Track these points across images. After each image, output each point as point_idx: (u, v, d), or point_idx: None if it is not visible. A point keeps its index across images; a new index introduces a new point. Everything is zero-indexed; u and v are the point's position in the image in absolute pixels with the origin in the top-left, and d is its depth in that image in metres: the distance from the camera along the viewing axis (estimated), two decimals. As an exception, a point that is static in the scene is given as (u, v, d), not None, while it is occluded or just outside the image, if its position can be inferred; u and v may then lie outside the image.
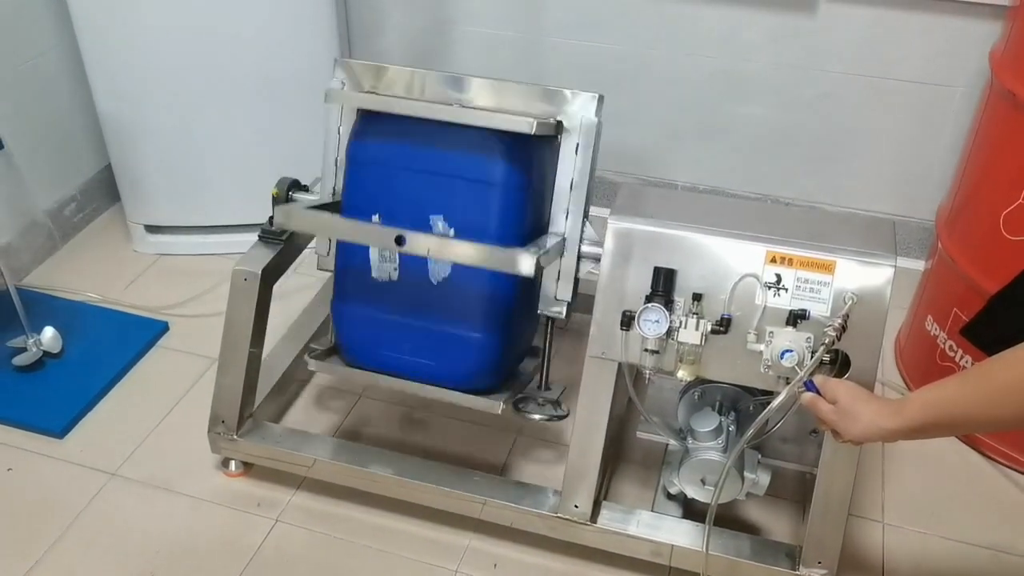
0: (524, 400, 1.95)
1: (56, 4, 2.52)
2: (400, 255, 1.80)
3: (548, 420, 1.92)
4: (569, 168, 1.77)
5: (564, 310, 1.84)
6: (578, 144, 1.75)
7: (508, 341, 1.87)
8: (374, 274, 1.84)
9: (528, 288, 1.81)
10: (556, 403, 1.95)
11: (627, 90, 2.72)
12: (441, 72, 1.80)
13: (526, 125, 1.64)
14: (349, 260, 1.87)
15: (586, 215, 1.79)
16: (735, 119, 2.70)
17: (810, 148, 2.69)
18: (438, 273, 1.80)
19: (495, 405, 1.85)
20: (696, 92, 2.68)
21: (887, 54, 2.47)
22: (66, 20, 2.43)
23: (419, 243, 1.64)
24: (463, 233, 1.75)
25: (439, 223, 1.76)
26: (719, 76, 2.64)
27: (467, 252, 1.64)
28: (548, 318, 1.88)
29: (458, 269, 1.79)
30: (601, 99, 1.73)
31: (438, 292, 1.81)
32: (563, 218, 1.79)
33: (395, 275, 1.83)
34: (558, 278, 1.83)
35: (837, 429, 1.39)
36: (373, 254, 1.84)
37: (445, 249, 1.67)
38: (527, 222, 1.77)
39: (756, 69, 2.60)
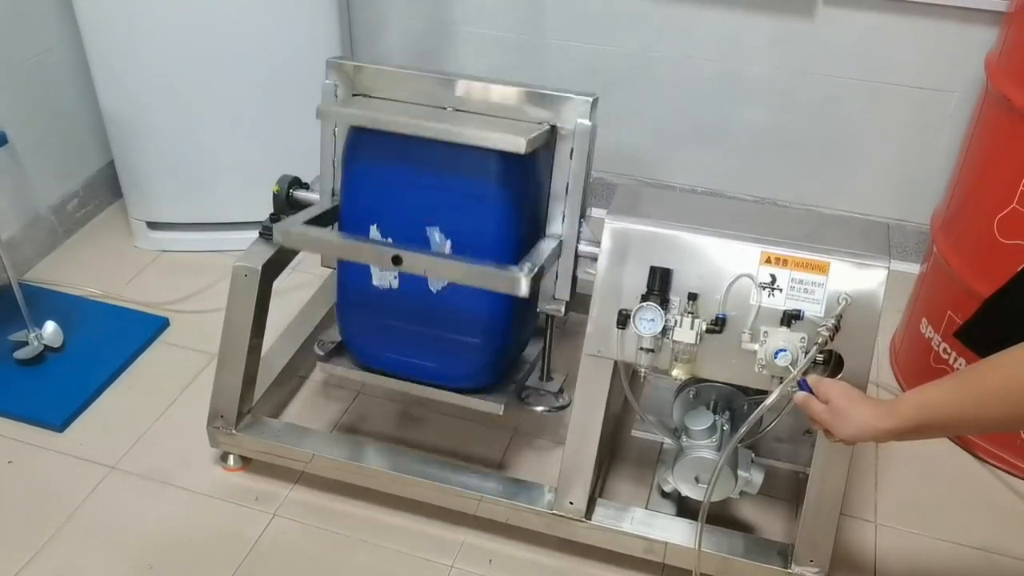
0: (527, 391, 2.00)
1: (61, 1, 2.53)
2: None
3: (550, 411, 1.98)
4: (564, 172, 1.77)
5: (562, 308, 1.87)
6: (572, 149, 1.75)
7: (507, 342, 1.90)
8: (374, 281, 1.86)
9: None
10: (558, 394, 2.01)
11: (626, 92, 2.74)
12: (434, 74, 1.79)
13: (518, 143, 1.62)
14: (350, 266, 1.89)
15: (583, 216, 1.80)
16: (733, 122, 2.71)
17: (807, 152, 2.70)
18: (437, 283, 1.82)
19: (496, 407, 1.89)
20: (695, 95, 2.70)
21: (884, 58, 2.48)
22: (71, 17, 2.44)
23: (415, 262, 1.66)
24: (460, 243, 1.77)
25: (436, 234, 1.77)
26: (718, 79, 2.65)
27: (463, 272, 1.66)
28: (548, 315, 1.91)
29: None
30: (595, 102, 1.72)
31: (438, 299, 1.83)
32: (560, 220, 1.80)
33: (395, 283, 1.85)
34: (556, 278, 1.85)
35: (830, 428, 1.40)
36: (373, 265, 1.86)
37: (441, 269, 1.69)
38: (523, 229, 1.79)
39: (754, 72, 2.62)
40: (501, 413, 1.89)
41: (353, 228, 1.84)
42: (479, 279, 1.65)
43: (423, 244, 1.78)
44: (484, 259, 1.68)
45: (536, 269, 1.65)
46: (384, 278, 1.85)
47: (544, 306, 1.88)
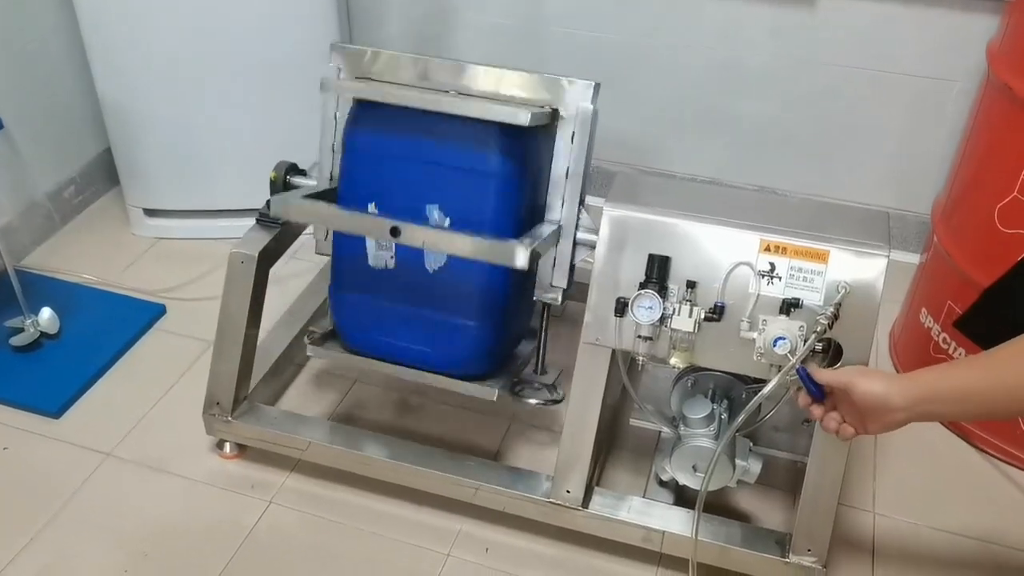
0: (520, 384, 1.97)
1: (57, -14, 2.53)
2: (396, 244, 1.81)
3: (544, 404, 1.94)
4: (565, 156, 1.76)
5: (559, 296, 1.86)
6: (574, 133, 1.74)
7: (503, 328, 1.88)
8: (371, 262, 1.85)
9: (524, 274, 1.81)
10: (552, 387, 1.97)
11: (626, 80, 2.72)
12: (437, 58, 1.79)
13: (521, 116, 1.63)
14: (346, 247, 1.88)
15: (582, 202, 1.79)
16: (734, 110, 2.70)
17: (808, 141, 2.69)
18: (434, 262, 1.81)
19: (490, 392, 1.87)
20: (695, 84, 2.69)
21: (886, 48, 2.47)
22: (68, 3, 2.43)
23: (414, 235, 1.63)
24: (459, 222, 1.76)
25: (435, 212, 1.77)
26: (718, 68, 2.64)
27: (462, 245, 1.62)
28: (544, 304, 1.90)
29: (454, 258, 1.79)
30: (597, 87, 1.72)
31: (434, 280, 1.82)
32: (559, 205, 1.79)
33: (391, 263, 1.84)
34: (554, 265, 1.84)
35: (862, 427, 1.39)
36: (370, 243, 1.84)
37: (440, 241, 1.65)
38: (522, 210, 1.78)
39: (755, 62, 2.60)
40: (495, 399, 1.87)
41: (351, 205, 1.83)
42: (477, 251, 1.62)
43: (422, 222, 1.76)
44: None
45: (535, 243, 1.63)
46: (380, 258, 1.84)
47: (541, 295, 1.87)
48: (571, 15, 2.68)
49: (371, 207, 1.81)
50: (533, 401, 1.94)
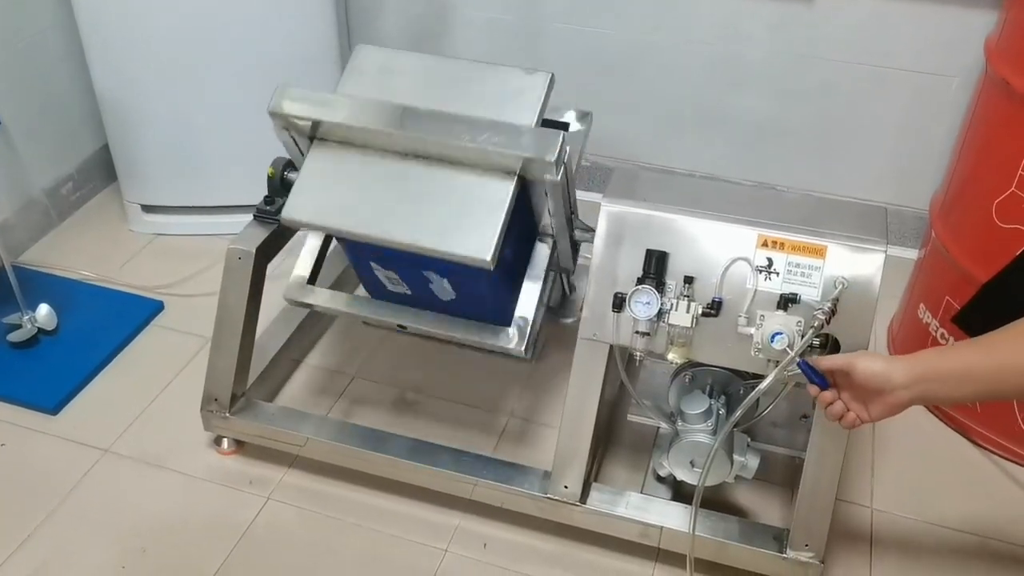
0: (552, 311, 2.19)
1: (54, -18, 2.52)
2: (405, 279, 1.85)
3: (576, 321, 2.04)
4: (543, 207, 1.73)
5: (570, 271, 2.00)
6: (547, 192, 1.67)
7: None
8: (388, 287, 1.89)
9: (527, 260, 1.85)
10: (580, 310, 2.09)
11: (625, 76, 2.72)
12: (390, 110, 1.67)
13: (481, 258, 1.58)
14: (362, 270, 1.90)
15: (574, 213, 1.82)
16: (732, 107, 2.70)
17: (807, 137, 2.69)
18: (444, 296, 1.85)
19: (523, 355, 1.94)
20: (694, 80, 2.68)
21: (884, 43, 2.47)
22: (65, -1, 2.43)
23: (420, 327, 1.83)
24: (457, 280, 1.78)
25: (433, 275, 1.79)
26: (717, 64, 2.64)
27: (465, 334, 1.80)
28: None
29: (463, 290, 1.82)
30: (564, 143, 1.58)
31: (448, 305, 1.87)
32: (550, 228, 1.81)
33: (407, 290, 1.88)
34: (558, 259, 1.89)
35: (864, 413, 1.39)
36: (380, 275, 1.87)
37: (444, 333, 1.82)
38: (518, 255, 1.80)
39: (754, 57, 2.60)
40: (529, 357, 1.91)
41: (354, 256, 1.88)
42: (478, 340, 1.80)
43: (423, 278, 1.81)
44: (483, 290, 1.80)
45: (530, 329, 1.76)
46: (395, 287, 1.88)
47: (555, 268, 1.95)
48: (570, 11, 2.67)
49: (373, 265, 1.83)
50: (568, 320, 2.20)
